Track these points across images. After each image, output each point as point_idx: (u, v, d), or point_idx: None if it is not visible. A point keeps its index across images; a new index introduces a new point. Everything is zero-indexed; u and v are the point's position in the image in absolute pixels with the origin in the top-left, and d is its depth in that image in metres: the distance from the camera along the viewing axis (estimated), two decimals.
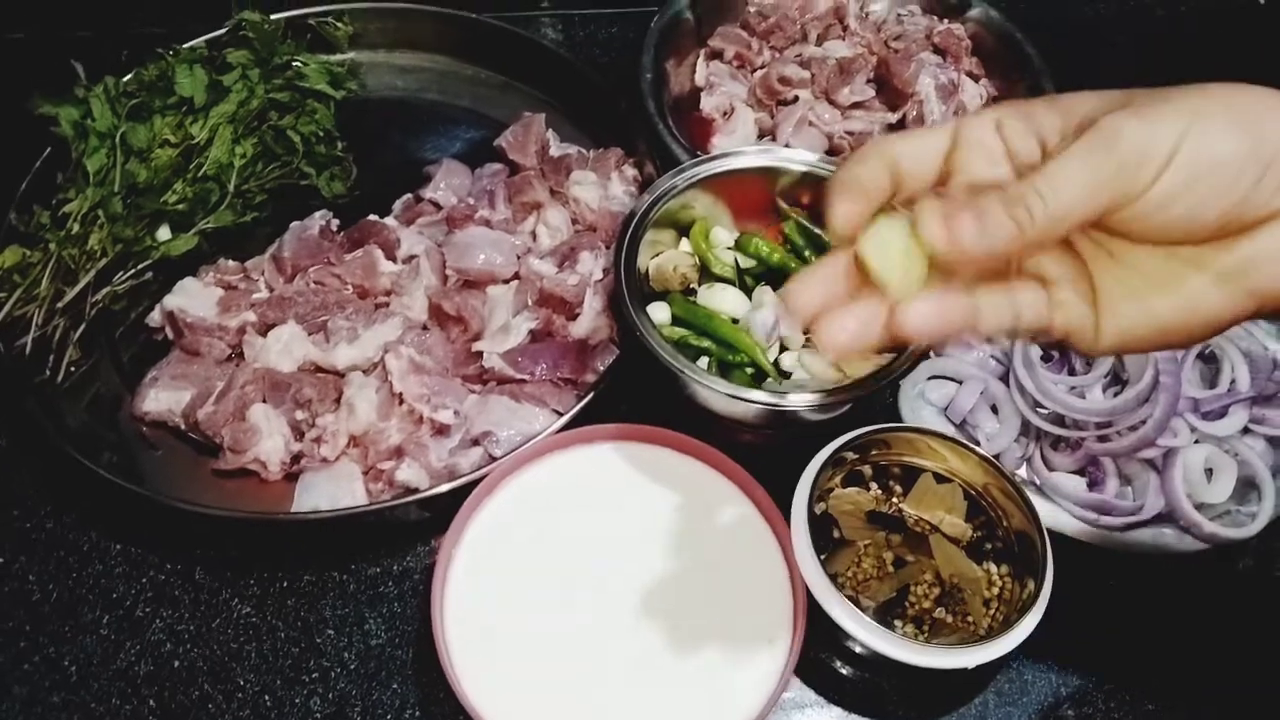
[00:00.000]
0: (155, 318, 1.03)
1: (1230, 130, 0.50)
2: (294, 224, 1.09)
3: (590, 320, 1.01)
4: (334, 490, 0.92)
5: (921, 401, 0.98)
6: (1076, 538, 0.91)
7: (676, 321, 0.93)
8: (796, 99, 1.19)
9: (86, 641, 0.88)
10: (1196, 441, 0.94)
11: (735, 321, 0.93)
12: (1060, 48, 1.23)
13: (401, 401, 0.96)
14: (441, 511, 0.87)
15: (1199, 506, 0.91)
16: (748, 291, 0.95)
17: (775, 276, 0.95)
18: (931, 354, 0.99)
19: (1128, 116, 0.50)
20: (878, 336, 0.56)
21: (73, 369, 1.00)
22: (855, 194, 0.56)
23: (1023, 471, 0.96)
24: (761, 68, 1.25)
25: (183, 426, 0.97)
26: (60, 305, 1.00)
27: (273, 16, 1.21)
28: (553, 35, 1.39)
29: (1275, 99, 0.51)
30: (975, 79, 1.23)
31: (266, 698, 0.85)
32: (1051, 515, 0.92)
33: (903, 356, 0.85)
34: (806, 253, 0.95)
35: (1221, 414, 0.95)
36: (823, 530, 0.87)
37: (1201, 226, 0.51)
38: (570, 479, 0.89)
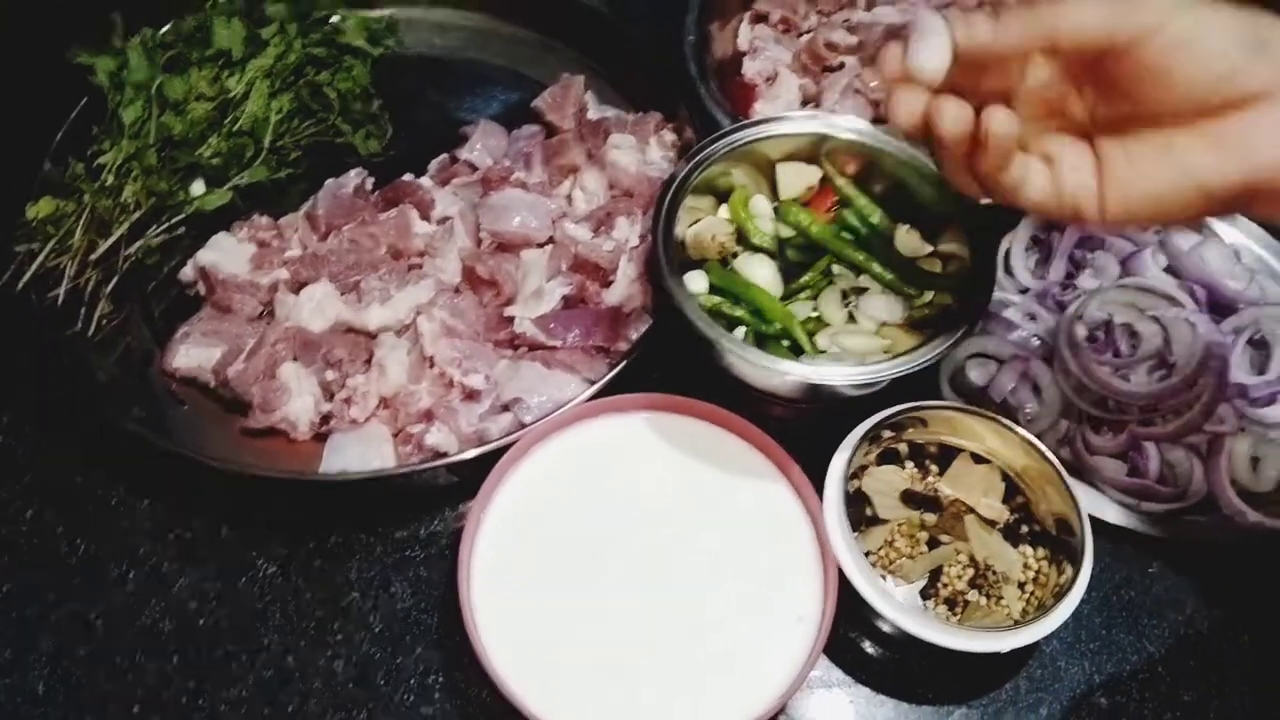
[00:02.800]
0: (187, 273, 1.03)
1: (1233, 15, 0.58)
2: (329, 182, 1.08)
3: (624, 287, 1.00)
4: (363, 452, 0.91)
5: (961, 379, 0.96)
6: (1116, 523, 0.90)
7: (713, 290, 0.91)
8: (843, 65, 1.16)
9: (113, 596, 0.88)
10: (1243, 429, 0.91)
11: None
12: None
13: (432, 364, 0.95)
14: (470, 476, 0.86)
15: (1243, 495, 0.89)
16: (788, 261, 0.93)
17: (815, 249, 0.93)
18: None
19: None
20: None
21: (104, 322, 1.00)
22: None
23: (1063, 454, 0.94)
24: (807, 32, 1.22)
25: (213, 383, 0.97)
26: (93, 258, 1.00)
27: None
28: None
29: None
30: None
31: (290, 658, 0.85)
32: (1091, 500, 0.90)
33: (945, 334, 0.83)
34: (862, 231, 0.92)
35: (1270, 401, 0.93)
36: (856, 508, 0.86)
37: (1198, 93, 0.60)
38: (600, 448, 0.88)
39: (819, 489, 0.83)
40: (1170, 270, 0.99)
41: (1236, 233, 1.05)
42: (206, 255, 1.01)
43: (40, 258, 0.99)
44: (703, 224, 0.94)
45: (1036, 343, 0.97)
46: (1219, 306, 0.98)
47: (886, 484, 0.88)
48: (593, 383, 0.93)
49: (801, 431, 0.88)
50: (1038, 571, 0.84)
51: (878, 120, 1.07)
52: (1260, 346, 0.97)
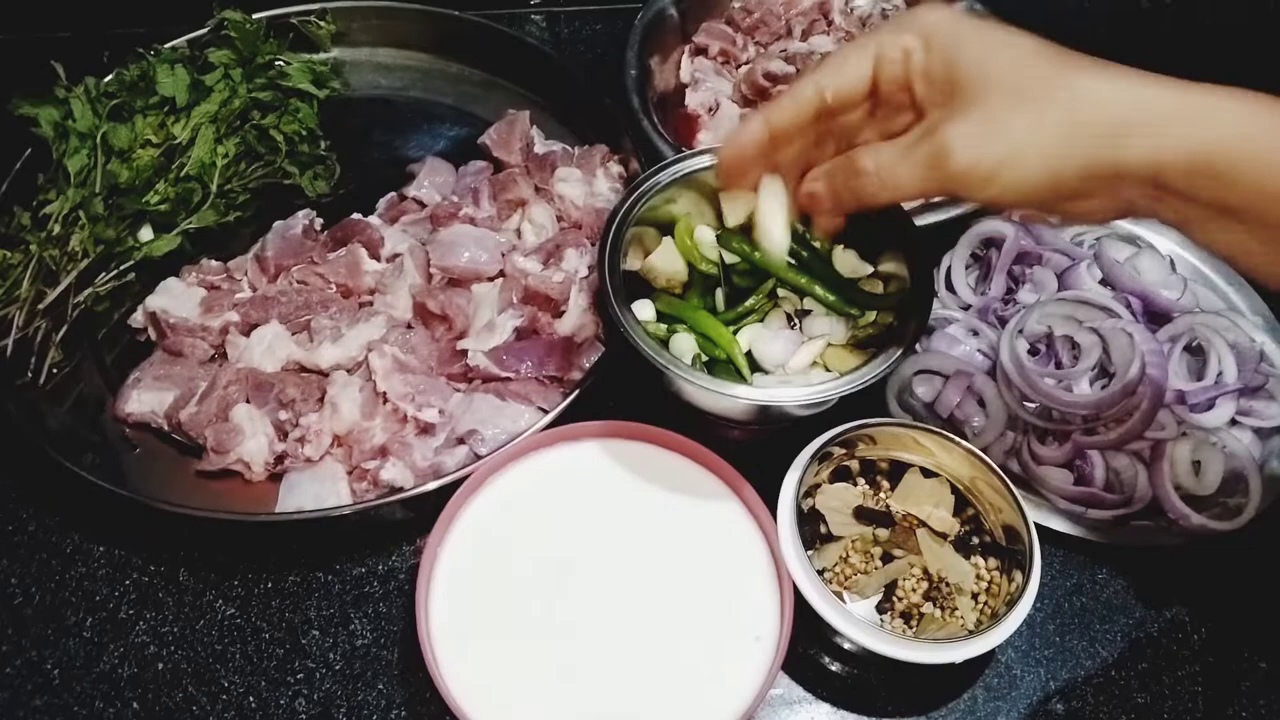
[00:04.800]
0: (138, 319, 1.03)
1: (1040, 168, 0.62)
2: (277, 223, 1.09)
3: (576, 317, 1.01)
4: (318, 490, 0.91)
5: (908, 396, 0.98)
6: (1064, 531, 0.91)
7: (661, 318, 0.92)
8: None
9: (69, 644, 0.87)
10: (1184, 434, 0.94)
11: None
12: (1044, 36, 1.22)
13: (385, 400, 0.96)
14: (426, 511, 0.86)
15: (1186, 499, 0.91)
16: (733, 288, 0.95)
17: (760, 274, 0.94)
18: (917, 349, 0.99)
19: (963, 138, 0.63)
20: None
21: (55, 371, 1.00)
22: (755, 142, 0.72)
23: (1011, 465, 0.95)
24: (746, 64, 1.24)
25: (166, 427, 0.97)
26: (42, 307, 0.99)
27: (255, 16, 1.21)
28: (537, 32, 1.39)
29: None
30: None
31: (251, 699, 0.85)
32: (1039, 509, 0.92)
33: (888, 352, 0.85)
34: (803, 255, 0.94)
35: (1209, 406, 0.95)
36: (810, 526, 0.87)
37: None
38: (555, 477, 0.89)
39: (773, 509, 0.84)
40: (1105, 282, 1.02)
41: (1170, 243, 1.08)
42: (156, 300, 1.02)
43: None
44: (654, 258, 0.95)
45: (980, 357, 0.99)
46: (1155, 315, 1.00)
47: (839, 501, 0.89)
48: (547, 412, 0.94)
49: (754, 453, 0.89)
50: (990, 581, 0.85)
51: None
52: (1197, 353, 0.99)
